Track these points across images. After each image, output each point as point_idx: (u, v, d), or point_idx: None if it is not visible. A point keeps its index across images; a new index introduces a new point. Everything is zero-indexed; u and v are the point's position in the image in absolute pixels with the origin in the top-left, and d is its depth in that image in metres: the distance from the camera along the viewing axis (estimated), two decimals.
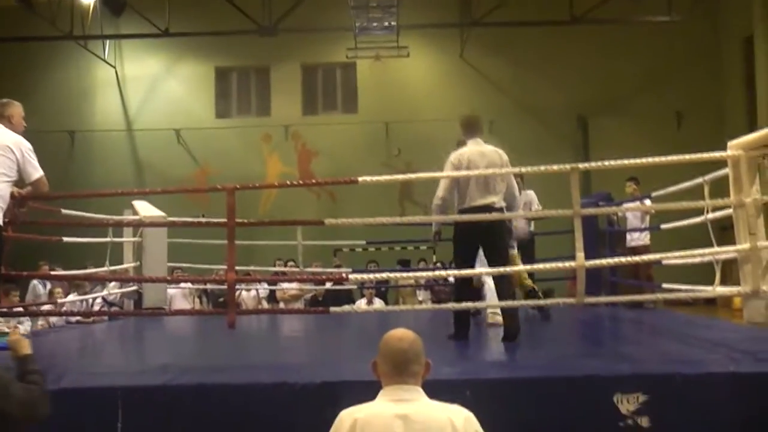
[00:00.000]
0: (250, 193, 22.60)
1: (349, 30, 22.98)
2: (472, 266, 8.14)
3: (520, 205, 8.62)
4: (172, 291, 15.27)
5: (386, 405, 3.63)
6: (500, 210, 8.02)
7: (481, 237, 8.07)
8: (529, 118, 24.08)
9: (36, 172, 6.65)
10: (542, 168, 7.93)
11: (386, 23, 22.58)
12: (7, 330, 6.10)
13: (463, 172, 7.97)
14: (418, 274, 16.85)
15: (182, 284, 15.10)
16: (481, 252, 8.44)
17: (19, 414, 4.10)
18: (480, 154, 8.20)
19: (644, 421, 5.38)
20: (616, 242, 13.97)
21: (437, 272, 12.32)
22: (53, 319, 11.66)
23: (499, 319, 9.50)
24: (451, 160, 8.28)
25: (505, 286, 8.14)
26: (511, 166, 8.24)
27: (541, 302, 9.22)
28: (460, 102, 25.34)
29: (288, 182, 22.51)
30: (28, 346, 4.40)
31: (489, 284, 10.10)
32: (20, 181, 6.88)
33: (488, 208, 7.95)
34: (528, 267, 8.84)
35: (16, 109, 7.10)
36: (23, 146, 6.69)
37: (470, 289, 8.55)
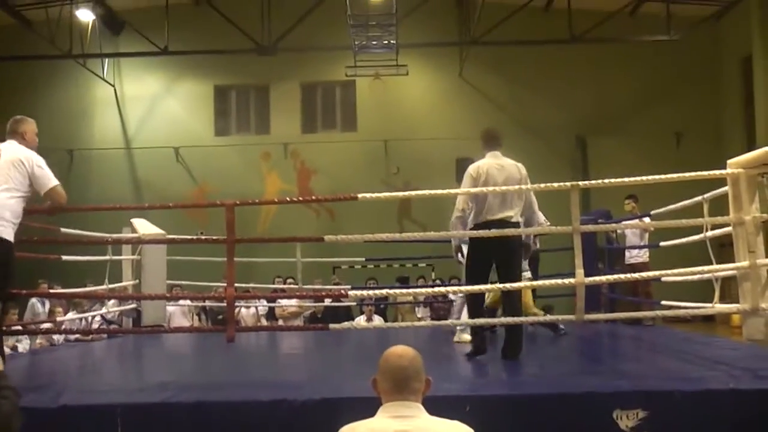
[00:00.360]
0: (249, 211, 22.60)
1: (349, 48, 23.03)
2: (486, 282, 8.02)
3: (539, 220, 8.51)
4: (171, 308, 15.26)
5: (386, 421, 3.62)
6: (516, 225, 7.93)
7: (496, 252, 7.96)
8: (528, 136, 24.05)
9: (49, 182, 6.61)
10: (542, 185, 7.95)
11: (385, 42, 22.63)
12: None
13: (477, 189, 7.90)
14: (418, 291, 16.84)
15: (181, 301, 15.08)
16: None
17: None
18: (498, 167, 8.10)
19: None
20: (615, 260, 13.99)
21: (436, 289, 12.30)
22: (55, 337, 11.65)
23: (466, 337, 9.59)
24: (470, 172, 8.15)
25: (514, 303, 8.02)
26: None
27: (540, 320, 9.19)
28: (458, 120, 25.45)
29: (288, 198, 22.46)
30: (0, 362, 4.36)
31: (458, 302, 10.16)
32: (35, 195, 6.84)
33: (505, 222, 7.88)
34: (528, 284, 8.80)
35: (30, 126, 7.10)
36: (33, 160, 6.67)
37: (483, 305, 8.50)
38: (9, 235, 6.44)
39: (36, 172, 6.57)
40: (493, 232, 7.75)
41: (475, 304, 8.29)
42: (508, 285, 7.65)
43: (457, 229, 8.11)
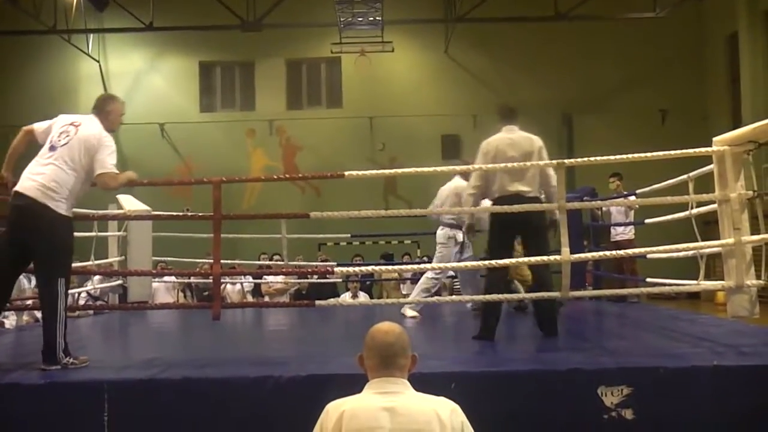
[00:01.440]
0: (235, 187, 22.63)
1: (334, 25, 23.01)
2: (509, 257, 7.84)
3: (554, 191, 8.03)
4: (156, 285, 15.24)
5: (373, 397, 3.64)
6: (534, 199, 7.78)
7: (518, 228, 7.89)
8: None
9: (101, 168, 6.49)
10: (528, 164, 7.92)
11: (371, 18, 22.64)
12: None
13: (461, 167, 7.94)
14: (404, 267, 16.85)
15: (167, 278, 15.06)
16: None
17: None
18: (510, 142, 7.98)
19: (628, 414, 5.40)
20: (600, 237, 14.03)
21: (423, 266, 12.32)
22: (38, 314, 11.62)
23: (411, 312, 9.94)
24: (481, 147, 8.10)
25: (544, 279, 7.93)
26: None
27: (526, 296, 9.19)
28: (444, 97, 25.50)
29: (275, 176, 22.47)
30: None
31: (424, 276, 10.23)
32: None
33: (518, 197, 7.74)
34: (513, 260, 8.78)
35: (117, 106, 6.95)
36: (104, 142, 6.58)
37: (504, 284, 8.35)
38: (66, 211, 6.38)
39: (98, 156, 6.49)
40: (497, 208, 7.75)
41: (495, 282, 8.04)
42: (494, 262, 7.64)
43: (470, 206, 8.19)
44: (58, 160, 6.40)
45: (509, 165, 7.72)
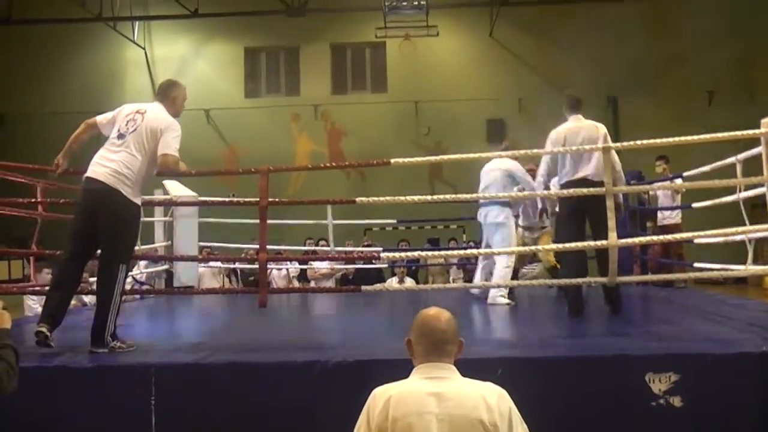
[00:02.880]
0: (281, 174, 22.66)
1: (379, 9, 22.94)
2: (576, 238, 8.02)
3: (621, 177, 8.55)
4: (201, 270, 15.35)
5: (420, 382, 3.64)
6: (600, 183, 7.82)
7: (585, 211, 8.15)
8: (559, 97, 23.38)
9: (167, 149, 6.54)
10: (574, 148, 7.93)
11: (416, 3, 22.54)
12: None
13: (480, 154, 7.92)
14: (450, 252, 16.82)
15: (214, 263, 15.16)
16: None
17: None
18: (576, 130, 8.36)
19: (676, 401, 5.36)
20: (647, 221, 13.92)
21: (468, 251, 12.30)
22: (87, 298, 11.71)
23: (502, 300, 9.85)
24: (550, 136, 8.44)
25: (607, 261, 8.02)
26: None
27: (574, 281, 9.14)
28: (489, 81, 25.39)
29: (321, 164, 22.49)
30: (8, 320, 4.33)
31: (498, 264, 10.12)
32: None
33: (584, 181, 8.04)
34: (555, 246, 8.79)
35: (181, 92, 7.03)
36: (171, 127, 6.65)
37: (580, 264, 8.41)
38: (135, 198, 6.49)
39: (164, 137, 6.57)
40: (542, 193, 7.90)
41: (572, 264, 8.36)
42: (536, 248, 7.62)
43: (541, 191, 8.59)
44: (129, 147, 6.54)
45: (554, 149, 7.77)
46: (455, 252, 16.20)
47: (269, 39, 26.82)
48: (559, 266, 10.05)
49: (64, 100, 24.94)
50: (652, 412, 5.37)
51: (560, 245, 8.22)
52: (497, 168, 10.09)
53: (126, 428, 5.55)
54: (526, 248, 9.47)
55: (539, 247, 8.71)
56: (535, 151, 7.95)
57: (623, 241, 7.67)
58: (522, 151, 7.97)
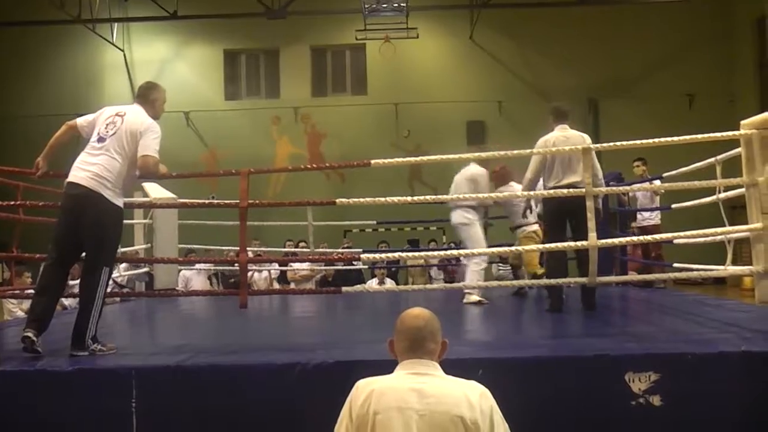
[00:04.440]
0: (261, 175, 22.63)
1: (359, 12, 22.96)
2: (563, 240, 8.50)
3: (601, 184, 8.92)
4: (188, 273, 15.36)
5: (403, 378, 3.67)
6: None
7: (569, 215, 8.60)
8: (539, 99, 23.90)
9: (146, 150, 6.52)
10: (554, 149, 8.00)
11: (396, 5, 22.58)
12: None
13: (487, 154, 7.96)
14: (430, 253, 16.87)
15: (197, 266, 15.16)
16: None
17: None
18: (564, 139, 8.72)
19: (656, 400, 5.38)
20: (626, 222, 13.99)
21: (449, 252, 12.39)
22: (66, 302, 11.67)
23: (474, 298, 10.14)
24: (539, 143, 8.78)
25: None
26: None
27: (552, 281, 9.19)
28: (469, 84, 25.46)
29: (301, 166, 22.46)
30: None
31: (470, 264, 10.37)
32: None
33: (572, 187, 8.31)
34: (540, 246, 8.93)
35: (161, 95, 7.04)
36: (151, 129, 6.64)
37: (561, 262, 8.91)
38: (117, 201, 6.48)
39: (144, 139, 6.56)
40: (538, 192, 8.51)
41: (556, 263, 8.85)
42: (514, 248, 7.65)
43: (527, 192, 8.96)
44: (109, 150, 6.54)
45: (536, 151, 7.82)
46: (435, 253, 16.25)
47: (249, 41, 26.80)
48: (539, 273, 10.17)
49: (42, 103, 24.85)
50: (631, 411, 5.38)
51: (543, 246, 8.37)
52: (463, 174, 10.46)
53: (107, 431, 5.53)
54: (508, 248, 9.49)
55: (522, 247, 8.73)
56: (516, 152, 7.95)
57: (603, 241, 7.70)
58: (503, 152, 7.96)
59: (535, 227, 10.79)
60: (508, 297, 11.36)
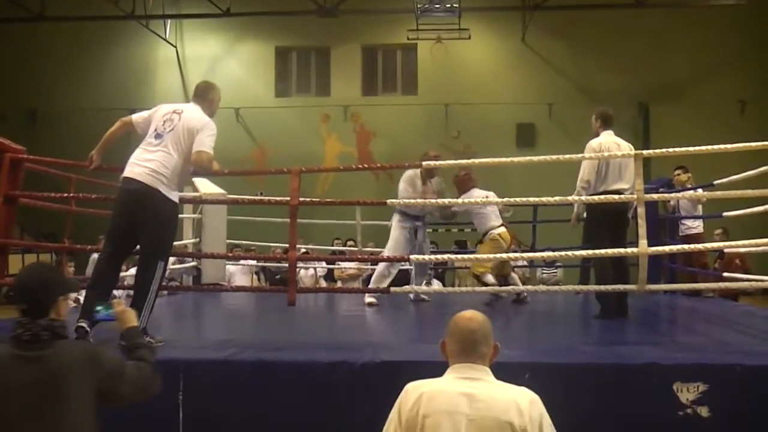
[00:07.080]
0: (310, 173, 22.68)
1: (411, 12, 22.90)
2: (606, 247, 8.23)
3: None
4: (232, 268, 15.42)
5: (453, 382, 3.66)
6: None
7: (613, 219, 8.60)
8: (590, 103, 23.62)
9: (201, 146, 6.61)
10: (606, 154, 7.96)
11: (448, 5, 22.48)
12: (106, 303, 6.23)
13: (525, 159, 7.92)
14: (479, 256, 16.82)
15: (242, 261, 15.22)
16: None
17: (131, 394, 3.95)
18: (616, 144, 8.73)
19: (703, 411, 5.35)
20: (676, 230, 13.83)
21: (497, 255, 12.32)
22: (116, 293, 11.77)
23: (370, 300, 10.48)
24: (593, 146, 8.76)
25: (622, 267, 8.68)
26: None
27: (607, 288, 9.12)
28: (520, 86, 25.34)
29: (353, 166, 22.46)
30: (134, 317, 4.39)
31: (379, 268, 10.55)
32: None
33: (619, 193, 8.38)
34: (584, 252, 8.86)
35: (218, 94, 7.17)
36: (207, 126, 6.72)
37: (614, 269, 8.70)
38: (172, 196, 6.57)
39: (199, 135, 6.64)
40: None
41: (603, 271, 8.71)
42: (547, 254, 7.61)
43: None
44: (167, 147, 6.63)
45: (586, 156, 7.80)
46: (483, 255, 16.21)
47: (300, 39, 26.82)
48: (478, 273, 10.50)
49: (95, 97, 25.07)
50: (679, 421, 5.36)
51: (588, 251, 8.28)
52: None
53: (153, 424, 5.58)
54: (502, 255, 9.50)
55: (524, 255, 8.75)
56: (567, 157, 7.94)
57: (654, 249, 7.64)
58: (554, 157, 7.94)
59: (501, 230, 10.76)
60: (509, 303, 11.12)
